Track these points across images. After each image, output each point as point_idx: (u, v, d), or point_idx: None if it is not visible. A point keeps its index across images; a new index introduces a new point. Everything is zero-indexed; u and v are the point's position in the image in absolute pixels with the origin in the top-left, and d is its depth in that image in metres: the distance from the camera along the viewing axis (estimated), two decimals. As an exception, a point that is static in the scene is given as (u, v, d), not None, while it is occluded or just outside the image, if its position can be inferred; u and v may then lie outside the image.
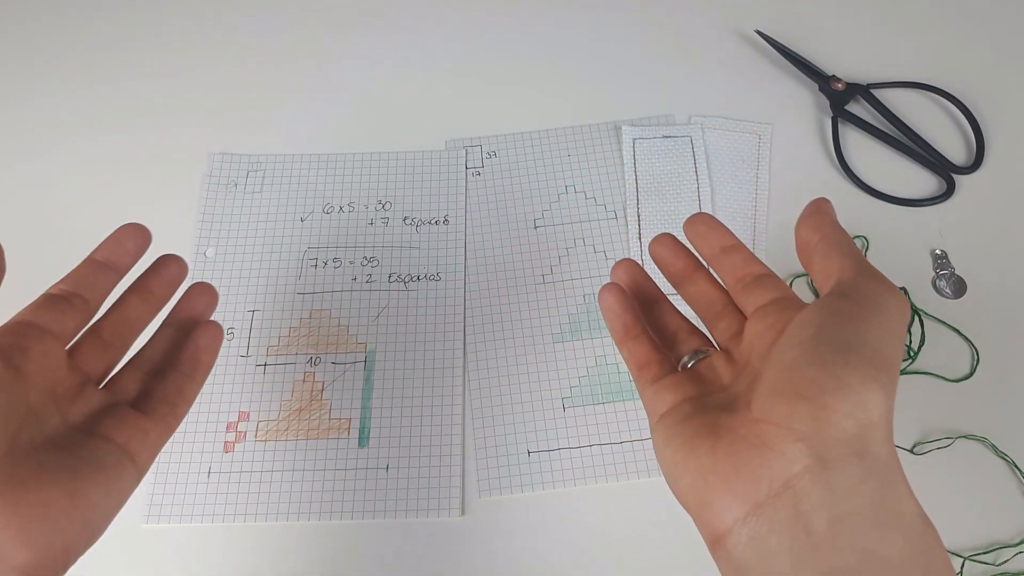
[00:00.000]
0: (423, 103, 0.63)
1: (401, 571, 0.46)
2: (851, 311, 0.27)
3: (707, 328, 0.35)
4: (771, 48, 0.64)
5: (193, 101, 0.64)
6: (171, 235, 0.57)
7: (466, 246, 0.56)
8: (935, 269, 0.54)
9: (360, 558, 0.46)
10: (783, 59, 0.63)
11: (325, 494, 0.48)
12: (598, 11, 0.68)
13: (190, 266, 0.55)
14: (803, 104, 0.63)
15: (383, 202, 0.58)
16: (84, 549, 0.29)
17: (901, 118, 0.60)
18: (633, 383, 0.35)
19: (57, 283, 0.34)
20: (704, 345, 0.34)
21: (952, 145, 0.60)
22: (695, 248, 0.36)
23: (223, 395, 0.51)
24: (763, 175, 0.59)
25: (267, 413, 0.50)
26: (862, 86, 0.62)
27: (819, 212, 0.32)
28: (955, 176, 0.58)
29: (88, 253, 0.36)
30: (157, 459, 0.48)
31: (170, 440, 0.49)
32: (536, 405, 0.50)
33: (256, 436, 0.49)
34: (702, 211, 0.36)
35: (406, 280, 0.55)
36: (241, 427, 0.50)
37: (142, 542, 0.47)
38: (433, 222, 0.57)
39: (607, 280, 0.55)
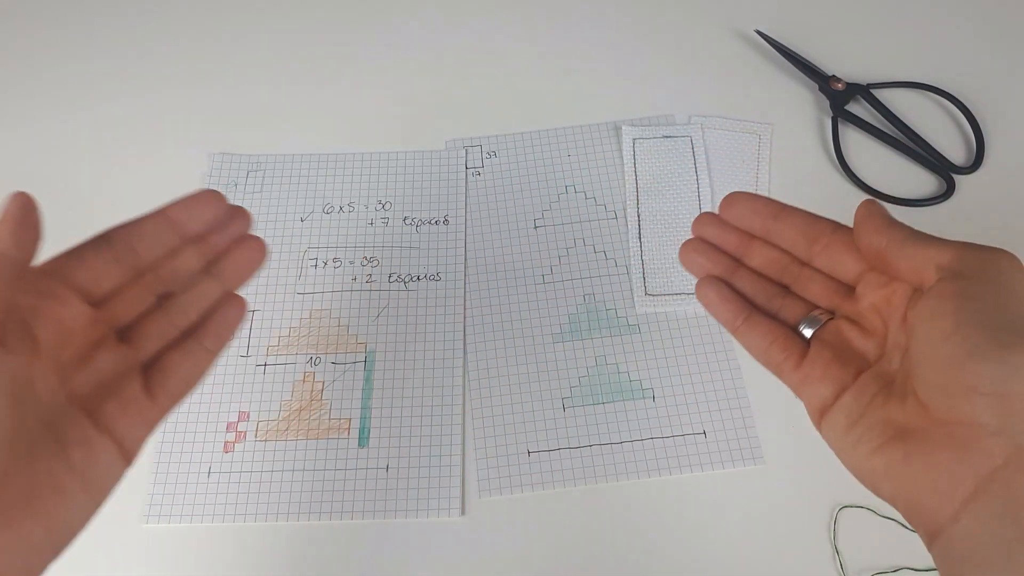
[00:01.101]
0: (423, 103, 0.64)
1: (401, 571, 0.46)
2: (977, 291, 0.26)
3: (788, 292, 0.34)
4: (771, 48, 0.64)
5: (193, 101, 0.64)
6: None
7: (466, 246, 0.56)
8: (935, 269, 0.54)
9: (360, 558, 0.46)
10: (783, 59, 0.63)
11: (325, 494, 0.48)
12: (598, 11, 0.68)
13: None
14: (803, 104, 0.63)
15: (383, 202, 0.58)
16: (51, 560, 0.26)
17: (901, 118, 0.60)
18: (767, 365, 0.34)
19: (116, 228, 0.31)
20: (804, 305, 0.33)
21: (952, 145, 0.60)
22: (742, 225, 0.35)
23: (223, 395, 0.51)
24: (763, 175, 0.59)
25: (267, 413, 0.50)
26: (862, 86, 0.62)
27: (872, 216, 0.31)
28: (955, 176, 0.58)
29: (158, 206, 0.32)
30: (157, 459, 0.49)
31: (170, 440, 0.49)
32: (536, 405, 0.50)
33: (256, 436, 0.49)
34: (735, 192, 0.35)
35: (406, 280, 0.55)
36: (241, 427, 0.50)
37: (142, 542, 0.47)
38: (433, 222, 0.57)
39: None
